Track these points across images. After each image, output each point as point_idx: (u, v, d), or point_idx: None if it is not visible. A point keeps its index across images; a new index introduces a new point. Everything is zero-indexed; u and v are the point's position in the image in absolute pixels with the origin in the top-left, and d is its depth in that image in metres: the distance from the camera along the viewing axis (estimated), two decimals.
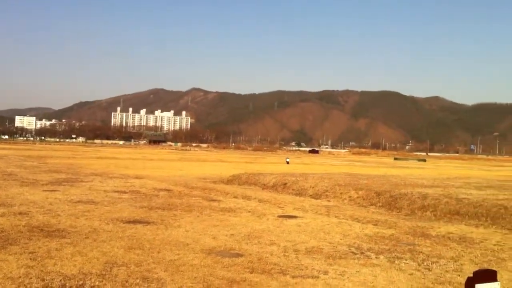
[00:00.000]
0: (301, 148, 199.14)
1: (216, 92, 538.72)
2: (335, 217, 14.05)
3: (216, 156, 77.91)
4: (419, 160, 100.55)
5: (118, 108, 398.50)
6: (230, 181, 24.93)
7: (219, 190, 20.22)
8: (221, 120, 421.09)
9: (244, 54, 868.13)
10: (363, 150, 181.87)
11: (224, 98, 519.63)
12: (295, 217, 13.60)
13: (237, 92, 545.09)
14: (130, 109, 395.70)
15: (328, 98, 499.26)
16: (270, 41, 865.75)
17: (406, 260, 8.61)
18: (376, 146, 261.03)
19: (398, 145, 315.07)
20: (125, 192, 17.83)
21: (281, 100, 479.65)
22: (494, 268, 8.18)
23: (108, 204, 14.45)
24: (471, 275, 5.16)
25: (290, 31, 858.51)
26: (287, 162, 52.40)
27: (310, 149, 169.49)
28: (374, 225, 12.80)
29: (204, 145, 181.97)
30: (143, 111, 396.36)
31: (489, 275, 5.16)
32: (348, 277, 7.28)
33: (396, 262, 8.43)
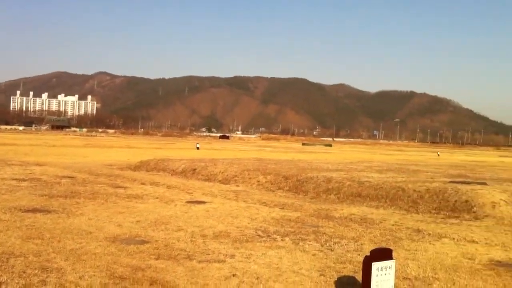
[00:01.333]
0: (212, 134, 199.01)
1: (124, 77, 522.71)
2: (244, 201, 14.18)
3: (124, 142, 75.91)
4: (326, 145, 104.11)
5: (18, 92, 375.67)
6: (137, 167, 24.39)
7: (126, 177, 19.71)
8: (129, 105, 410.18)
9: (153, 38, 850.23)
10: (273, 135, 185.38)
11: (132, 82, 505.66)
12: (203, 202, 13.56)
13: (146, 77, 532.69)
14: (31, 93, 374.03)
15: (238, 84, 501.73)
16: (179, 25, 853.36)
17: (310, 241, 8.86)
18: (285, 131, 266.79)
19: (306, 130, 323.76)
20: (24, 180, 16.89)
21: (191, 85, 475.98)
22: (391, 247, 8.64)
23: (6, 193, 13.62)
24: (369, 254, 5.40)
25: (200, 16, 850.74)
26: (197, 148, 52.19)
27: (221, 134, 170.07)
28: (281, 208, 13.06)
29: (111, 131, 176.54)
30: (45, 95, 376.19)
31: (385, 254, 5.42)
32: (254, 260, 7.37)
33: (300, 243, 8.65)
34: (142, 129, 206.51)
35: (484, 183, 16.18)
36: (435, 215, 12.82)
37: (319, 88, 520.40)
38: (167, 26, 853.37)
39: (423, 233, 10.17)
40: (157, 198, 13.98)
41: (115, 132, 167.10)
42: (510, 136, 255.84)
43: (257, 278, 6.49)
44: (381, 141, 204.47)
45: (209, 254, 7.63)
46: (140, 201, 13.27)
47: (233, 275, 6.57)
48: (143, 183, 17.62)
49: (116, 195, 14.08)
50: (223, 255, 7.61)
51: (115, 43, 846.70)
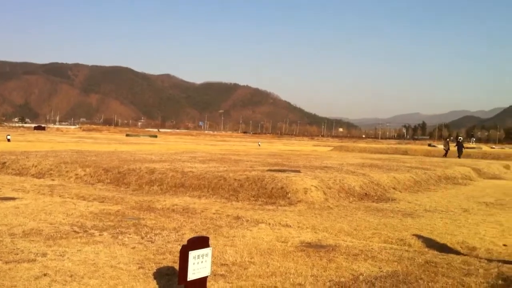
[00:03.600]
0: (25, 125, 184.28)
1: None
2: (59, 196, 13.34)
3: None
4: (151, 136, 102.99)
5: None
6: None
7: None
8: None
9: None
10: (94, 126, 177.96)
11: None
12: (13, 198, 12.44)
13: None
14: None
15: (56, 71, 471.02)
16: None
17: (130, 234, 8.64)
18: (108, 122, 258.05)
19: (130, 121, 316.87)
20: None
21: (1, 71, 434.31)
22: (211, 235, 8.82)
23: None
24: (186, 243, 5.41)
25: None
26: (8, 140, 47.82)
27: (36, 125, 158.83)
28: (100, 202, 12.55)
29: None
30: None
31: (202, 242, 5.47)
32: (68, 257, 6.94)
33: (119, 237, 8.39)
34: None
35: (298, 171, 17.35)
36: (254, 202, 13.43)
37: (144, 78, 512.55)
38: None
39: (242, 220, 10.57)
40: None
41: None
42: (323, 126, 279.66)
43: (71, 276, 6.13)
44: (206, 131, 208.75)
45: (17, 254, 7.00)
46: None
47: (44, 275, 6.11)
48: None
49: None
50: (34, 254, 7.05)
51: None
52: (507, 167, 31.38)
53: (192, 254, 5.22)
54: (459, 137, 60.14)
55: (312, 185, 14.35)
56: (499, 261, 8.03)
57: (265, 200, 13.56)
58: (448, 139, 48.84)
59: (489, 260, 8.03)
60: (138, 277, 6.22)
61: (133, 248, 7.68)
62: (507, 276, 6.91)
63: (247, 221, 10.49)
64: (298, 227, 10.15)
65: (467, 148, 51.45)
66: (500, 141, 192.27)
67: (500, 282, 6.62)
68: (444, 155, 41.49)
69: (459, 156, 40.21)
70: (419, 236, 9.67)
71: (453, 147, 43.85)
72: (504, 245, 9.44)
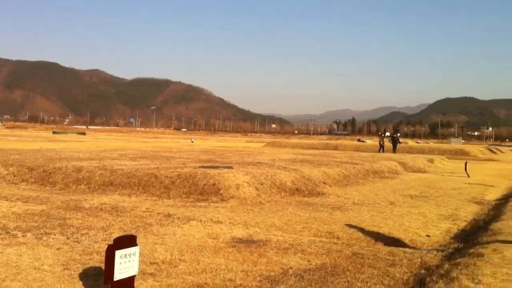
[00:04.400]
0: None
1: None
2: None
3: None
4: (79, 133, 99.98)
5: None
6: None
7: None
8: None
9: None
10: (19, 123, 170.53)
11: None
12: None
13: None
14: None
15: None
16: None
17: (55, 235, 8.31)
18: (34, 119, 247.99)
19: (57, 118, 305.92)
20: None
21: None
22: (141, 233, 8.65)
23: None
24: (113, 242, 5.26)
25: None
26: None
27: None
28: (24, 202, 12.00)
29: None
30: None
31: (129, 241, 5.34)
32: None
33: (44, 238, 8.05)
34: None
35: (231, 167, 17.36)
36: (186, 199, 13.30)
37: (72, 73, 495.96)
38: None
39: (173, 218, 10.43)
40: None
41: None
42: (256, 123, 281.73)
43: None
44: (138, 128, 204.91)
45: None
46: None
47: None
48: None
49: None
50: None
51: None
52: (431, 160, 32.85)
53: (118, 253, 5.08)
54: (396, 133, 62.53)
55: (244, 181, 14.40)
56: (422, 251, 8.38)
57: (197, 197, 13.46)
58: (383, 134, 50.49)
59: (414, 250, 8.36)
60: (63, 279, 5.99)
61: (58, 249, 7.39)
62: (429, 265, 7.22)
63: (178, 218, 10.36)
64: (230, 223, 10.14)
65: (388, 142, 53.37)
66: (425, 136, 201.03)
67: (422, 271, 6.89)
68: (379, 150, 42.74)
69: (394, 151, 41.64)
70: (347, 229, 9.93)
71: (387, 142, 45.33)
72: (427, 235, 9.87)
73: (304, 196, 14.66)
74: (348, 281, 6.35)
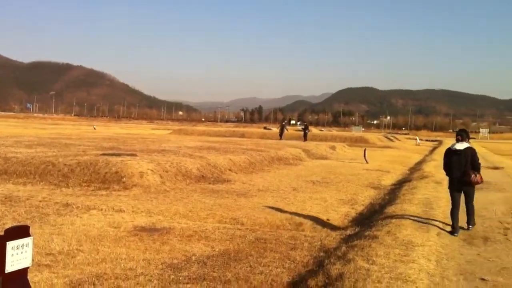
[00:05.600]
0: None
1: None
2: None
3: None
4: None
5: None
6: None
7: None
8: None
9: None
10: None
11: None
12: None
13: None
14: None
15: None
16: None
17: None
18: None
19: None
20: None
21: None
22: (37, 223, 8.22)
23: None
24: (3, 233, 4.94)
25: None
26: None
27: None
28: None
29: None
30: None
31: (22, 231, 5.03)
32: None
33: None
34: None
35: (135, 155, 16.95)
36: (86, 188, 12.81)
37: None
38: None
39: (72, 207, 10.01)
40: None
41: None
42: (163, 110, 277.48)
43: None
44: (36, 114, 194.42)
45: None
46: None
47: None
48: None
49: None
50: None
51: None
52: (333, 148, 34.04)
53: (10, 245, 4.77)
54: (305, 122, 64.09)
55: (148, 169, 14.12)
56: (322, 234, 8.68)
57: (98, 186, 13.01)
58: (284, 122, 51.42)
59: (314, 234, 8.63)
60: None
61: None
62: (328, 248, 7.49)
63: (77, 207, 9.96)
64: (133, 211, 9.91)
65: (298, 131, 54.84)
66: (328, 124, 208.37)
67: (322, 254, 7.14)
68: (280, 137, 43.50)
69: (305, 139, 42.61)
70: (251, 215, 10.04)
71: (292, 130, 46.16)
72: (327, 219, 10.22)
73: (209, 183, 14.65)
74: (250, 266, 6.43)
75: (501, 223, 9.69)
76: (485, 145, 55.91)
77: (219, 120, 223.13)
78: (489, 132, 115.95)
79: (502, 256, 7.10)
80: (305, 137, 43.75)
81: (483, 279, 5.94)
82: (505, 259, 6.92)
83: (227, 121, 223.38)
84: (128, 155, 16.73)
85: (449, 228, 8.81)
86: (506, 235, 8.57)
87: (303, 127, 47.52)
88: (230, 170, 17.32)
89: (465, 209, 8.98)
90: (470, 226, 8.94)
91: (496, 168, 23.01)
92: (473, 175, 8.59)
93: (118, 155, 16.53)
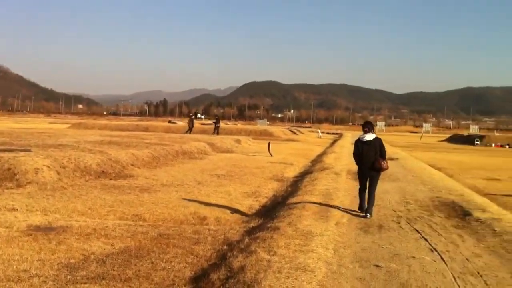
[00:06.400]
0: None
1: None
2: None
3: None
4: None
5: None
6: None
7: None
8: None
9: None
10: None
11: None
12: None
13: None
14: None
15: None
16: None
17: None
18: None
19: None
20: None
21: None
22: None
23: None
24: None
25: None
26: None
27: None
28: None
29: None
30: None
31: None
32: None
33: None
34: None
35: (29, 150, 16.04)
36: None
37: None
38: None
39: None
40: None
41: None
42: (61, 103, 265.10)
43: None
44: None
45: None
46: None
47: None
48: None
49: None
50: None
51: None
52: (238, 141, 34.31)
53: None
54: (216, 115, 63.95)
55: (44, 165, 13.40)
56: (226, 227, 8.71)
57: None
58: (192, 116, 50.99)
59: (218, 228, 8.65)
60: None
61: None
62: (232, 241, 7.53)
63: None
64: (27, 210, 9.37)
65: (204, 124, 54.69)
66: (233, 118, 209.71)
67: (225, 247, 7.16)
68: (187, 131, 43.07)
69: (217, 133, 42.45)
70: (154, 211, 9.87)
71: (198, 124, 45.82)
72: (232, 213, 10.28)
73: (111, 179, 14.20)
74: (152, 262, 6.31)
75: (395, 211, 10.26)
76: (382, 137, 58.93)
77: (122, 114, 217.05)
78: (385, 125, 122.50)
79: (395, 243, 7.51)
80: (217, 131, 43.75)
81: (377, 266, 6.24)
82: (397, 246, 7.32)
83: (130, 115, 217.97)
84: (22, 150, 15.78)
85: (347, 217, 9.21)
86: (399, 223, 9.07)
87: (215, 120, 47.45)
88: (132, 165, 16.91)
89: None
90: (368, 215, 9.47)
91: (391, 159, 24.29)
92: (382, 162, 9.54)
93: (11, 150, 15.55)
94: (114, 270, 5.97)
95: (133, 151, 18.65)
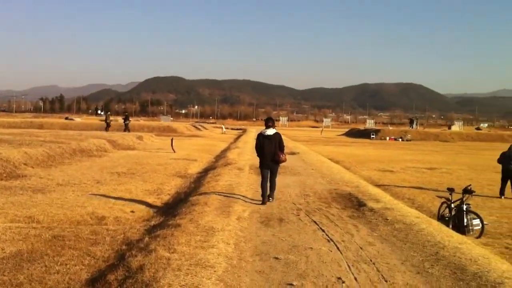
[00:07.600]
0: None
1: None
2: None
3: None
4: None
5: None
6: None
7: None
8: None
9: None
10: None
11: None
12: None
13: None
14: None
15: None
16: None
17: None
18: None
19: None
20: None
21: None
22: None
23: None
24: None
25: None
26: None
27: None
28: None
29: None
30: None
31: None
32: None
33: None
34: None
35: None
36: None
37: None
38: None
39: None
40: None
41: None
42: None
43: None
44: None
45: None
46: None
47: None
48: None
49: None
50: None
51: None
52: (140, 138, 33.58)
53: None
54: (126, 112, 62.30)
55: None
56: (126, 227, 8.50)
57: None
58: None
59: (117, 227, 8.42)
60: None
61: None
62: (131, 240, 7.37)
63: None
64: None
65: (102, 120, 52.95)
66: (136, 114, 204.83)
67: (124, 247, 6.99)
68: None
69: (129, 131, 41.20)
70: (49, 212, 9.41)
71: (96, 120, 44.35)
72: (132, 211, 10.06)
73: (1, 180, 13.35)
74: (46, 266, 6.03)
75: (295, 204, 10.56)
76: (284, 132, 60.04)
77: (14, 111, 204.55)
78: (288, 120, 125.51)
79: (294, 235, 7.72)
80: (127, 127, 42.69)
81: (276, 258, 6.38)
82: (296, 238, 7.53)
83: (24, 112, 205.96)
84: None
85: (249, 211, 9.36)
86: (298, 215, 9.35)
87: (124, 117, 46.26)
88: (25, 164, 16.00)
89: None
90: (271, 199, 10.52)
91: (292, 153, 24.94)
92: (281, 155, 10.49)
93: None
94: (4, 275, 5.63)
95: (26, 150, 17.65)
